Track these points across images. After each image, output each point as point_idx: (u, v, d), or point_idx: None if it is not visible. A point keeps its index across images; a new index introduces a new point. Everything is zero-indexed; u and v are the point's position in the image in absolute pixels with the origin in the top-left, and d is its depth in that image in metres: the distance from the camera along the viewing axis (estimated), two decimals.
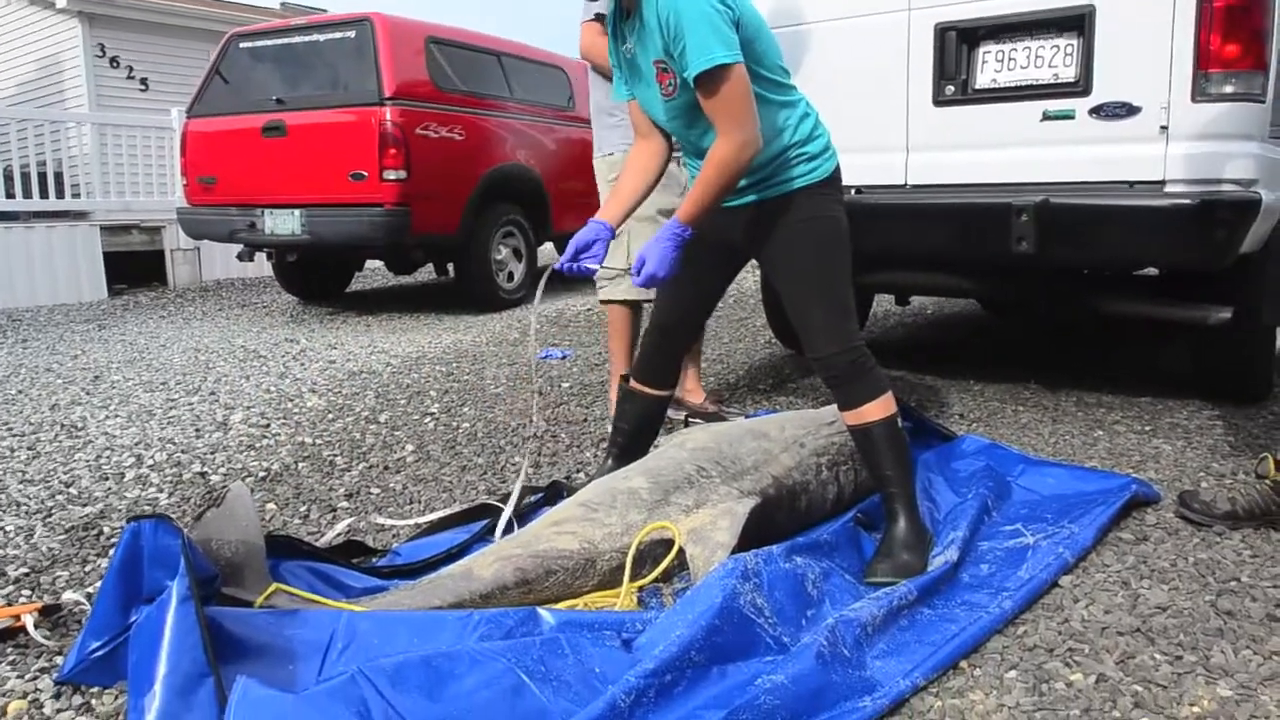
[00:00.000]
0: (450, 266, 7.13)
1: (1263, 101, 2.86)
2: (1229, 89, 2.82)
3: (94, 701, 1.64)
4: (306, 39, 6.38)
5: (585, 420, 3.52)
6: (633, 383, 2.54)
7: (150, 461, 3.15)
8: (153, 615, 1.55)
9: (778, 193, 2.17)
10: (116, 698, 1.64)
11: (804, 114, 2.20)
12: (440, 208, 6.24)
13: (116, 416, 3.78)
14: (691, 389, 3.51)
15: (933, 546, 2.13)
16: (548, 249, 8.52)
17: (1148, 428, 3.28)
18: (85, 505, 2.72)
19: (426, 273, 8.67)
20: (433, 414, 3.69)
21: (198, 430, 3.54)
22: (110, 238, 8.34)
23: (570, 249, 2.18)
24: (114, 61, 11.12)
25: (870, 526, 2.28)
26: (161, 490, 2.86)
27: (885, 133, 3.40)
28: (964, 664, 1.73)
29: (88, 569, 2.25)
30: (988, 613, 1.86)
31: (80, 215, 8.53)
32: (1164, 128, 2.91)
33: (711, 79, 1.97)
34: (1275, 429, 3.21)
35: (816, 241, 2.18)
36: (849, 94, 3.31)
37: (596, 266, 2.18)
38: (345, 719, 1.40)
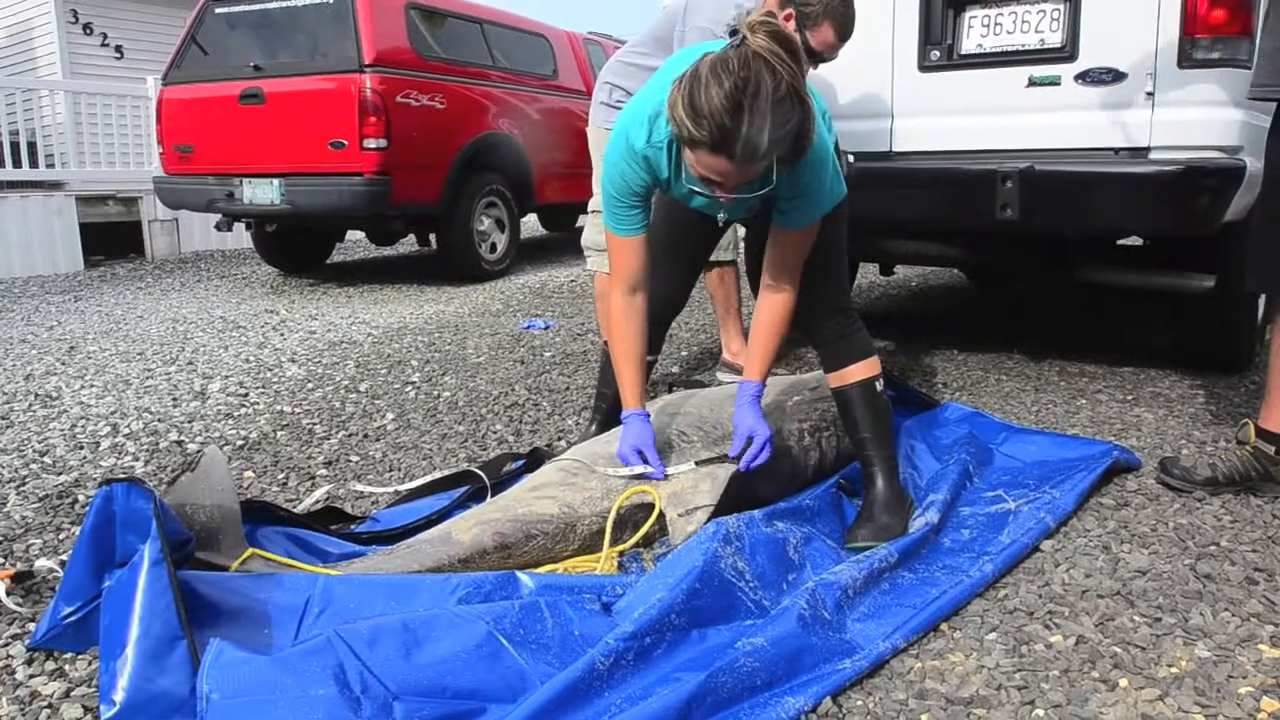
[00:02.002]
0: (432, 237, 7.07)
1: (1249, 68, 2.84)
2: (1216, 55, 2.81)
3: (67, 667, 1.62)
4: (284, 5, 6.26)
5: (567, 389, 3.50)
6: None
7: (126, 430, 3.11)
8: (124, 579, 1.52)
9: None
10: (90, 663, 1.62)
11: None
12: (421, 177, 6.17)
13: (92, 386, 3.73)
14: (739, 350, 3.52)
15: (913, 510, 2.13)
16: (531, 220, 8.46)
17: (1130, 396, 3.29)
18: (59, 474, 2.68)
19: (408, 243, 8.60)
20: (414, 383, 3.66)
21: (175, 399, 3.50)
22: (86, 208, 8.22)
23: (635, 455, 2.06)
24: (87, 28, 10.90)
25: (852, 493, 2.28)
26: (137, 459, 2.82)
27: (870, 99, 3.37)
28: (944, 626, 1.73)
29: (61, 536, 2.21)
30: (968, 576, 1.86)
31: (55, 185, 8.41)
32: (1150, 94, 2.89)
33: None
34: (1256, 398, 3.22)
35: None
36: (834, 59, 3.26)
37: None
38: (320, 681, 1.38)
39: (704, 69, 1.65)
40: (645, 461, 2.05)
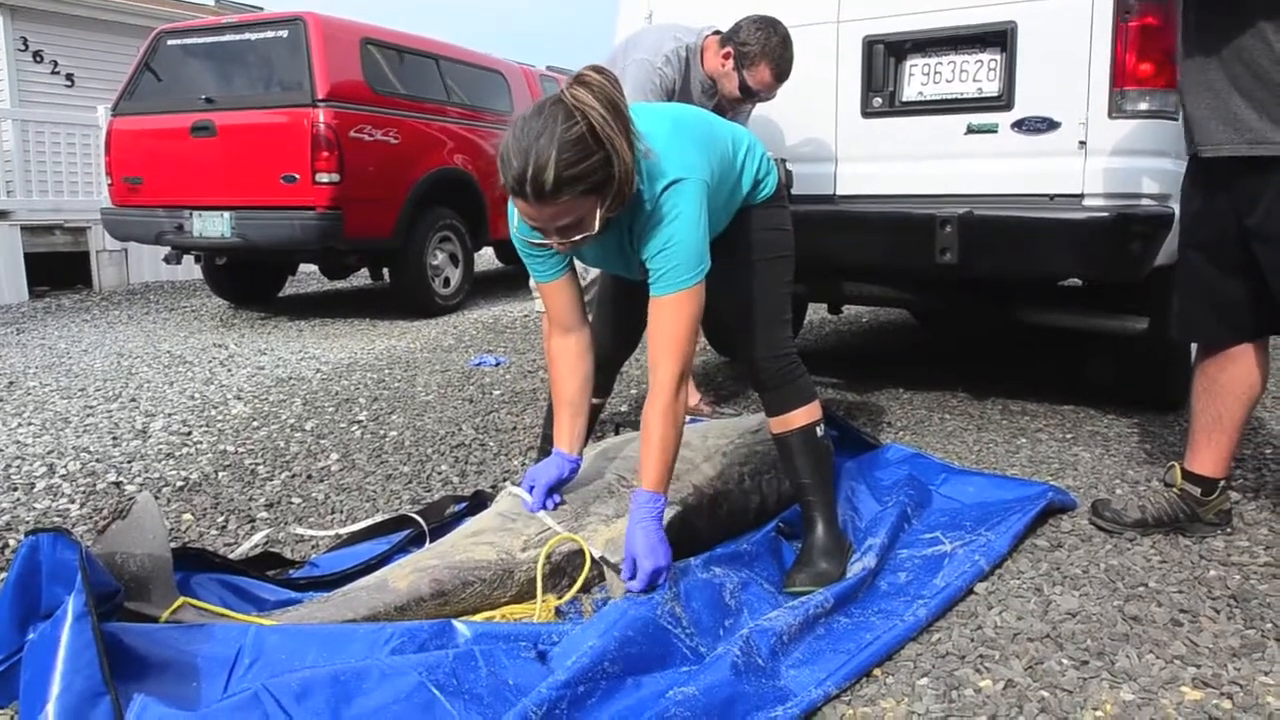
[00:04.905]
0: (385, 271, 7.05)
1: (1175, 119, 2.94)
2: (1144, 106, 2.91)
3: None
4: (238, 37, 6.25)
5: (514, 429, 3.49)
6: None
7: (63, 471, 3.05)
8: (47, 632, 1.49)
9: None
10: (11, 719, 1.58)
11: (751, 151, 2.19)
12: (374, 211, 6.16)
13: (30, 424, 3.66)
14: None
15: (852, 554, 2.15)
16: (486, 254, 8.46)
17: (1069, 435, 3.36)
18: None
19: (362, 278, 8.54)
20: (360, 422, 3.64)
21: (115, 438, 3.44)
22: (32, 238, 8.09)
23: (541, 490, 2.05)
24: (38, 56, 10.79)
25: (792, 536, 2.29)
26: (73, 501, 2.77)
27: (815, 143, 3.43)
28: (877, 671, 1.75)
29: None
30: (903, 620, 1.88)
31: (0, 215, 8.26)
32: (1082, 143, 2.98)
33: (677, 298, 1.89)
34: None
35: (766, 252, 2.19)
36: (779, 104, 3.33)
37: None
38: None
39: (515, 120, 1.76)
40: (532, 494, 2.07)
